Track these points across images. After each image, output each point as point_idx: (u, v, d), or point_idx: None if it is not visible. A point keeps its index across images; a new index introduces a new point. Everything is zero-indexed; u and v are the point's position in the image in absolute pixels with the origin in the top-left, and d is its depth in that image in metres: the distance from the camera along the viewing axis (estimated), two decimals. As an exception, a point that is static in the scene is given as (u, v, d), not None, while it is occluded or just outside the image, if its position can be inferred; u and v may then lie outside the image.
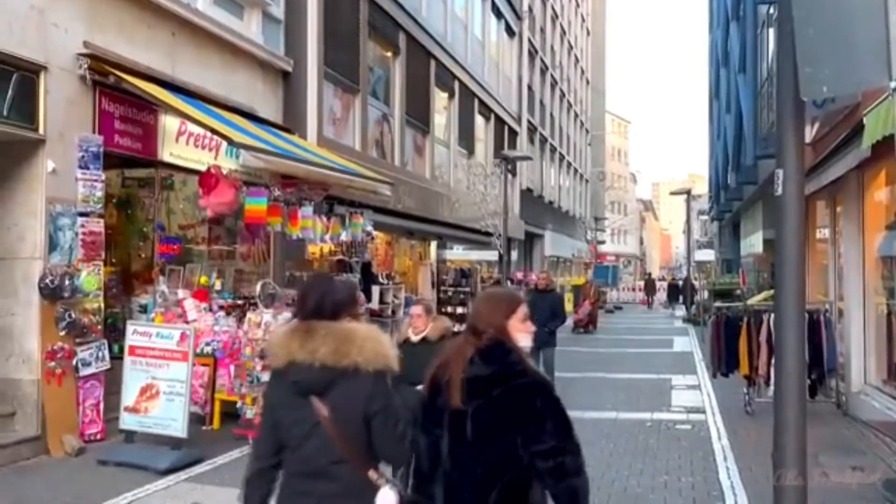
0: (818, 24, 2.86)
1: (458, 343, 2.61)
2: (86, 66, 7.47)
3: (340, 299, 2.69)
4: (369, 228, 11.63)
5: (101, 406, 7.47)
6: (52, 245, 7.15)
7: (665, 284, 39.35)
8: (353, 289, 2.99)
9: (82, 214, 7.39)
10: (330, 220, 10.50)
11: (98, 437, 7.36)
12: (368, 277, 12.97)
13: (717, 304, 12.12)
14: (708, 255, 39.90)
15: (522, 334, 2.59)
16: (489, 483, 2.39)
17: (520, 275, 23.92)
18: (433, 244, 18.90)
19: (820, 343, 8.72)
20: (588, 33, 46.95)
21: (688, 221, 28.80)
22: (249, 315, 8.36)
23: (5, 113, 6.73)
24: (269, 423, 2.66)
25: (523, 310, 2.63)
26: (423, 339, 5.40)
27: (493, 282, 18.61)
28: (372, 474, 2.53)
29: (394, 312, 13.52)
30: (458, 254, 20.71)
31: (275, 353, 2.64)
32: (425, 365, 2.75)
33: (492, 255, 20.39)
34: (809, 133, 10.33)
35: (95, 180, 7.52)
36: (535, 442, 2.37)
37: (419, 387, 2.67)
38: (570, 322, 18.69)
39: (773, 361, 7.97)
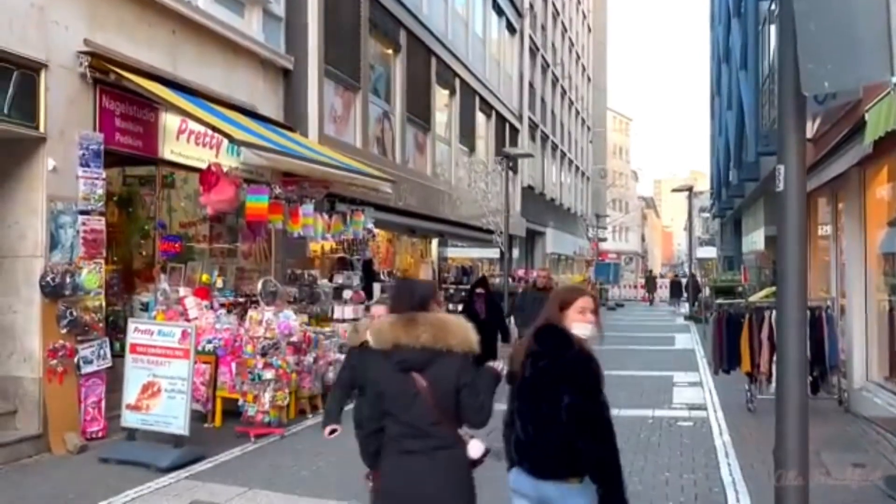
0: (820, 20, 2.85)
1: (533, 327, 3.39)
2: (86, 63, 7.46)
3: (427, 295, 3.41)
4: (370, 226, 11.63)
5: (103, 404, 7.47)
6: (54, 243, 7.15)
7: (667, 282, 39.33)
8: (433, 286, 3.84)
9: (83, 212, 7.39)
10: (331, 218, 10.50)
11: (100, 434, 7.37)
12: (370, 275, 12.97)
13: (719, 301, 12.11)
14: (710, 252, 39.91)
15: (577, 323, 3.27)
16: (545, 433, 3.14)
17: (521, 272, 23.92)
18: (434, 242, 18.91)
19: (822, 340, 8.71)
20: (589, 30, 46.89)
21: (689, 218, 28.78)
22: (251, 313, 8.36)
23: (6, 111, 6.73)
24: (373, 395, 3.29)
25: (580, 303, 3.31)
26: None
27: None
28: (461, 431, 3.24)
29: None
30: (459, 251, 20.72)
31: (382, 338, 3.27)
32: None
33: (493, 253, 20.39)
34: (811, 129, 10.31)
35: (96, 178, 7.52)
36: (568, 399, 3.09)
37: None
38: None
39: (774, 358, 7.96)
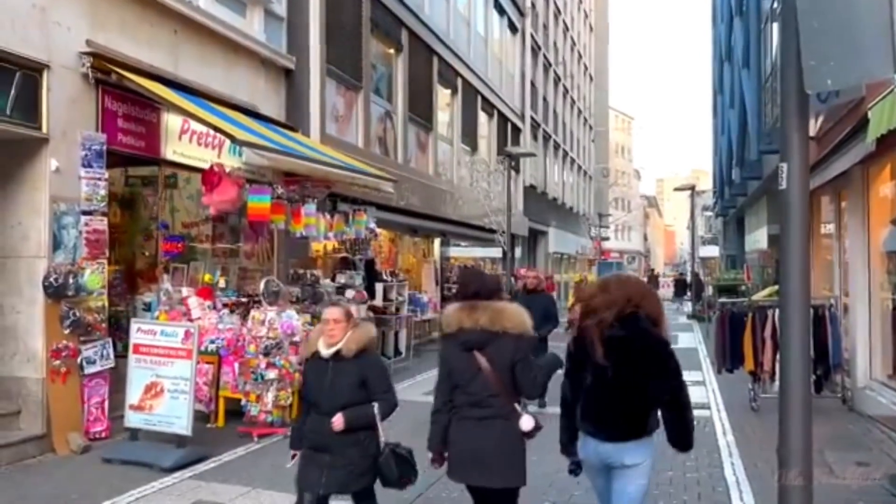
0: (822, 17, 2.84)
1: (599, 316, 3.63)
2: (88, 64, 7.47)
3: (492, 287, 3.99)
4: (372, 226, 11.62)
5: (106, 404, 7.49)
6: (56, 244, 7.16)
7: (670, 280, 39.30)
8: (498, 280, 4.53)
9: (86, 213, 7.40)
10: (333, 218, 10.50)
11: (103, 435, 7.38)
12: (372, 275, 12.96)
13: (722, 299, 12.09)
14: (712, 251, 39.85)
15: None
16: (625, 410, 3.57)
17: (523, 271, 23.90)
18: (437, 241, 18.90)
19: (825, 338, 8.69)
20: (591, 29, 46.84)
21: (692, 217, 28.75)
22: (253, 313, 8.36)
23: (8, 112, 6.74)
24: (445, 372, 3.91)
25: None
26: (337, 355, 4.04)
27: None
28: (516, 405, 3.80)
29: (397, 310, 13.53)
30: (461, 251, 20.71)
31: (448, 322, 3.88)
32: (338, 391, 3.82)
33: (496, 252, 20.38)
34: (814, 127, 10.30)
35: (99, 179, 7.52)
36: (660, 382, 3.56)
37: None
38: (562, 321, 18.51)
39: (778, 357, 7.95)
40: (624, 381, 3.54)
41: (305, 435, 4.20)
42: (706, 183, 55.01)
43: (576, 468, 3.85)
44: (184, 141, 8.99)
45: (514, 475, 3.79)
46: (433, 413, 3.93)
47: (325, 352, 4.13)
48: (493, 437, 3.71)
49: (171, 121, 8.73)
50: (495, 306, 3.83)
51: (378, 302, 12.77)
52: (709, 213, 51.09)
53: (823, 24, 2.84)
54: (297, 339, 8.20)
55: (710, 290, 24.15)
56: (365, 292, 11.59)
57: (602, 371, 3.56)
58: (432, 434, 3.92)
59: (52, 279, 7.03)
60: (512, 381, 3.74)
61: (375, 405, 4.09)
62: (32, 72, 6.98)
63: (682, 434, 3.69)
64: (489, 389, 3.72)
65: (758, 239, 20.45)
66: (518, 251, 25.42)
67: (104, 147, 7.60)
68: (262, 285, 8.58)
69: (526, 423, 3.77)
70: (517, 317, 3.81)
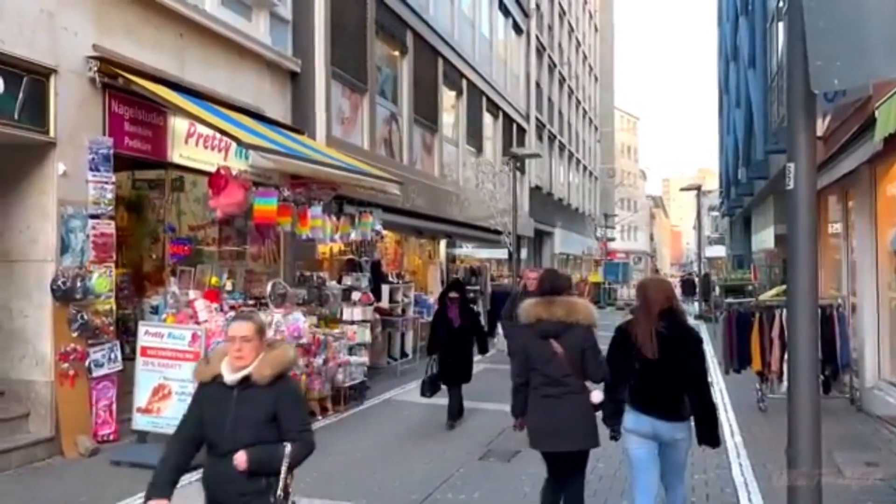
0: (829, 17, 2.84)
1: (645, 313, 4.26)
2: (95, 68, 7.50)
3: (564, 285, 4.81)
4: (379, 227, 11.63)
5: (114, 407, 7.51)
6: (64, 247, 7.19)
7: (676, 281, 39.21)
8: (569, 278, 5.44)
9: (93, 216, 7.43)
10: (339, 220, 10.51)
11: (111, 437, 7.40)
12: (378, 276, 12.98)
13: (729, 300, 12.05)
14: (719, 251, 39.73)
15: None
16: (674, 395, 4.22)
17: (531, 273, 23.87)
18: (443, 243, 18.90)
19: (833, 338, 8.66)
20: (596, 30, 46.80)
21: (698, 217, 28.67)
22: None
23: (16, 116, 6.77)
24: (522, 356, 4.62)
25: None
26: (246, 381, 3.26)
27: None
28: (586, 382, 4.53)
29: (404, 311, 13.54)
30: (467, 252, 20.70)
31: (527, 314, 4.59)
32: (244, 426, 3.21)
33: (501, 253, 20.37)
34: (821, 127, 10.27)
35: (106, 182, 7.55)
36: (696, 370, 4.25)
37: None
38: None
39: (785, 357, 7.92)
40: (670, 369, 4.18)
41: (204, 484, 3.41)
42: (712, 183, 54.82)
43: (616, 434, 4.49)
44: (190, 144, 9.02)
45: (591, 439, 4.51)
46: (514, 388, 4.72)
47: (231, 377, 3.26)
48: (570, 410, 4.44)
49: (178, 124, 8.75)
50: (569, 301, 4.62)
51: (384, 303, 12.79)
52: (715, 213, 50.96)
53: (830, 24, 2.84)
54: (303, 341, 8.22)
55: (716, 291, 24.06)
56: (371, 294, 11.61)
57: (650, 359, 4.18)
58: (515, 404, 4.73)
59: (60, 282, 7.05)
60: (581, 363, 4.47)
61: (288, 446, 3.19)
62: (40, 76, 7.01)
63: (710, 424, 4.30)
64: (564, 370, 4.45)
65: (764, 239, 20.40)
66: (524, 252, 25.41)
67: (111, 151, 7.63)
68: (268, 288, 8.60)
69: (596, 396, 4.53)
70: (587, 310, 4.61)
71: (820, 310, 6.72)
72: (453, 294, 8.67)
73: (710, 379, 4.41)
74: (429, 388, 8.42)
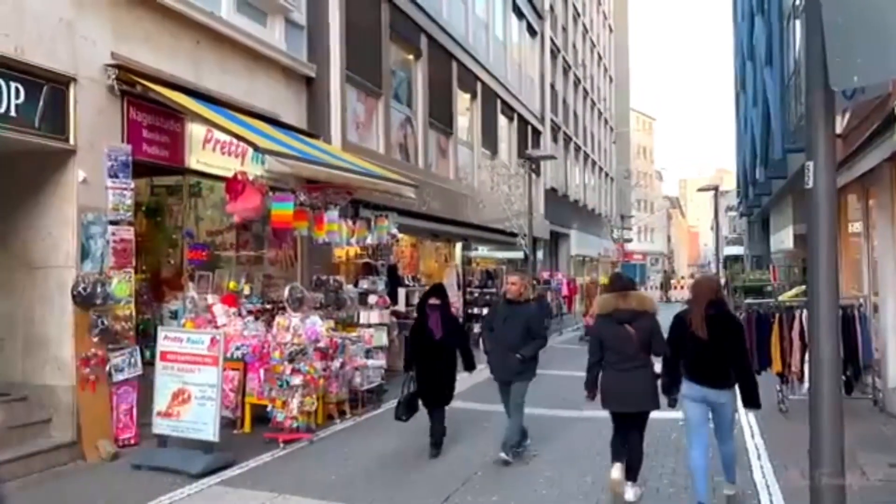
0: (847, 13, 2.81)
1: (696, 303, 5.41)
2: (113, 76, 7.59)
3: (632, 284, 6.16)
4: (394, 231, 11.65)
5: (135, 411, 7.57)
6: (85, 253, 7.27)
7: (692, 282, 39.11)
8: (632, 279, 6.68)
9: (113, 222, 7.50)
10: (355, 224, 10.55)
11: (132, 441, 7.47)
12: (394, 280, 13.00)
13: (748, 300, 11.95)
14: (737, 251, 39.42)
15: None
16: (721, 367, 5.31)
17: (546, 274, 23.83)
18: (458, 245, 18.91)
19: (855, 338, 8.56)
20: (610, 30, 46.64)
21: (716, 218, 28.49)
22: (278, 319, 8.43)
23: (37, 124, 6.86)
24: (598, 339, 5.87)
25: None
26: None
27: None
28: (651, 358, 5.71)
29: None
30: (483, 254, 20.70)
31: (605, 306, 5.85)
32: None
33: (517, 255, 20.34)
34: (840, 124, 10.15)
35: (125, 189, 7.63)
36: (737, 347, 5.35)
37: None
38: (563, 333, 18.27)
39: (806, 358, 7.84)
40: (717, 346, 5.26)
41: None
42: (730, 183, 54.43)
43: (674, 402, 5.61)
44: (207, 150, 9.09)
45: (652, 403, 5.68)
46: (590, 365, 5.86)
47: None
48: (638, 380, 5.63)
49: (195, 130, 8.83)
50: (639, 294, 5.97)
51: (401, 307, 12.80)
52: (733, 213, 50.57)
53: (848, 20, 2.81)
54: (321, 344, 8.25)
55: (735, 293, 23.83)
56: (388, 297, 11.63)
57: (702, 339, 5.28)
58: (588, 379, 5.86)
59: (80, 288, 7.13)
60: (648, 343, 5.64)
61: None
62: (60, 85, 7.11)
63: (751, 389, 5.37)
64: (635, 349, 5.61)
65: (783, 238, 20.20)
66: (540, 254, 25.35)
67: (130, 157, 7.71)
68: (286, 292, 8.64)
69: (658, 367, 5.67)
70: (652, 302, 5.91)
71: (841, 310, 6.66)
72: (434, 301, 7.43)
73: (748, 359, 5.62)
74: (404, 411, 7.26)
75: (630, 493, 5.71)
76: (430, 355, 7.29)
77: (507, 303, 7.41)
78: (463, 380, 7.97)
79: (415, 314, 8.10)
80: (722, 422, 5.52)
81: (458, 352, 7.45)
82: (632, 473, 5.78)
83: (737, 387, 5.39)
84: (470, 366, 7.51)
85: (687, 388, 5.43)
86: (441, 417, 7.34)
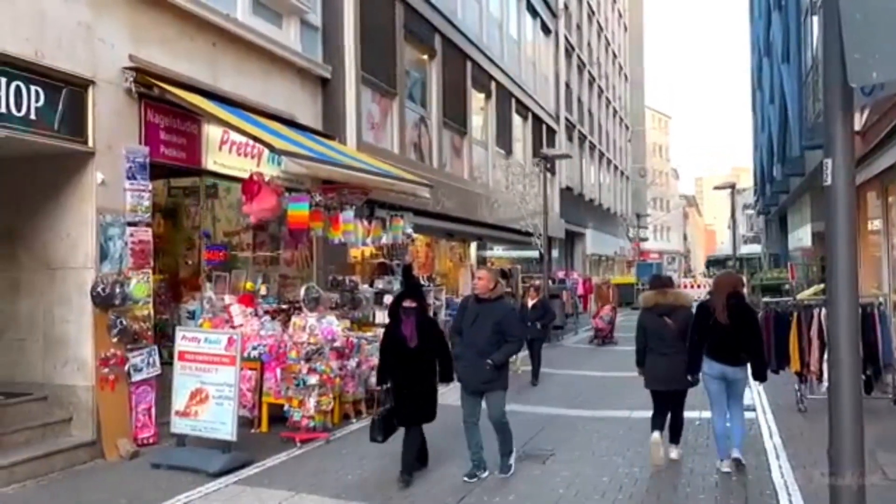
0: (866, 8, 2.78)
1: (718, 294, 6.48)
2: (131, 79, 7.65)
3: (669, 282, 7.24)
4: (409, 231, 11.68)
5: (153, 411, 7.64)
6: (103, 254, 7.34)
7: (709, 281, 38.71)
8: (670, 277, 8.17)
9: (131, 224, 7.57)
10: (371, 224, 10.58)
11: (151, 440, 7.53)
12: (409, 280, 13.00)
13: (766, 299, 11.87)
14: (754, 249, 39.13)
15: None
16: (737, 347, 6.31)
17: (561, 274, 23.77)
18: (473, 245, 18.91)
19: (874, 337, 8.46)
20: (625, 28, 46.45)
21: (732, 216, 28.27)
22: (294, 319, 8.47)
23: (56, 127, 6.94)
24: (642, 329, 6.84)
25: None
26: None
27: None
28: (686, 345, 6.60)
29: (435, 314, 13.55)
30: (498, 254, 20.67)
31: (647, 301, 6.93)
32: None
33: (532, 255, 20.30)
34: (859, 121, 10.05)
35: (143, 190, 7.70)
36: (752, 331, 6.41)
37: None
38: (578, 333, 18.27)
39: (825, 357, 7.77)
40: (736, 330, 6.29)
41: None
42: (747, 181, 53.99)
43: (696, 381, 6.57)
44: (224, 151, 9.15)
45: (688, 382, 6.63)
46: (637, 351, 6.96)
47: None
48: (676, 363, 6.55)
49: (212, 132, 8.89)
50: (676, 291, 7.10)
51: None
52: (750, 212, 50.22)
53: (867, 15, 2.79)
54: (337, 344, 8.28)
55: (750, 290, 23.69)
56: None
57: (722, 325, 6.29)
58: (637, 361, 6.98)
59: (99, 289, 7.20)
60: (684, 332, 6.52)
61: None
62: (79, 88, 7.18)
63: (760, 366, 6.61)
64: (673, 337, 6.61)
65: (801, 237, 20.04)
66: (555, 253, 25.29)
67: (147, 159, 7.78)
68: (302, 292, 8.68)
69: None
70: (687, 297, 7.09)
71: (860, 308, 6.59)
72: (409, 303, 6.42)
73: (761, 342, 6.85)
74: (380, 431, 6.32)
75: (674, 452, 6.91)
76: (404, 365, 6.34)
77: (476, 301, 6.51)
78: (450, 390, 7.33)
79: (387, 319, 6.97)
80: (734, 394, 6.54)
81: (437, 360, 6.45)
82: (675, 437, 6.97)
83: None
84: (447, 376, 6.52)
85: (707, 366, 6.43)
86: (418, 437, 6.38)
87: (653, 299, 6.86)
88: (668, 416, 6.85)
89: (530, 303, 12.47)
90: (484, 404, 6.42)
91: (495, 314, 6.34)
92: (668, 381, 6.67)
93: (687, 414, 7.09)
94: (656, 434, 6.67)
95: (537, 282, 15.13)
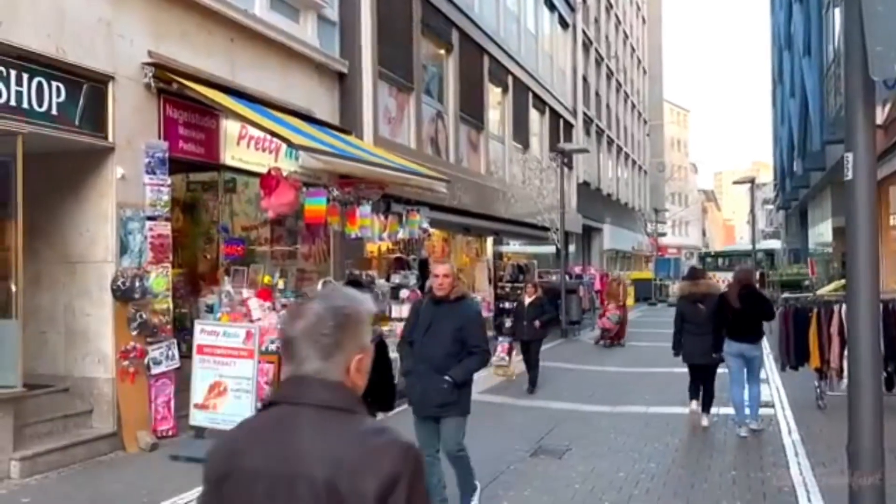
0: (888, 1, 2.75)
1: (733, 286, 7.93)
2: (150, 74, 7.71)
3: (700, 273, 9.20)
4: (426, 226, 11.68)
5: (172, 403, 7.72)
6: (123, 248, 7.42)
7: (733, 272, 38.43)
8: (703, 270, 11.52)
9: (150, 218, 7.64)
10: (387, 219, 10.59)
11: (170, 433, 7.61)
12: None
13: (785, 295, 11.76)
14: (774, 244, 38.77)
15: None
16: (753, 328, 7.73)
17: (578, 269, 23.69)
18: (490, 240, 18.89)
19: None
20: (643, 21, 46.09)
21: (752, 211, 28.03)
22: (311, 313, 8.47)
23: (77, 122, 7.02)
24: (680, 314, 8.45)
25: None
26: None
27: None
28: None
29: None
30: (514, 249, 20.63)
31: (683, 290, 8.82)
32: None
33: (549, 250, 20.25)
34: (880, 115, 9.92)
35: (162, 185, 7.76)
36: (764, 310, 7.90)
37: None
38: (594, 329, 17.97)
39: (845, 353, 7.68)
40: (751, 315, 7.58)
41: None
42: (767, 175, 53.49)
43: (720, 359, 7.83)
44: (242, 146, 9.21)
45: (719, 357, 7.86)
46: (674, 333, 8.39)
47: None
48: (707, 342, 7.83)
49: (230, 127, 8.95)
50: (707, 281, 8.81)
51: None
52: (770, 207, 49.75)
53: (889, 9, 2.75)
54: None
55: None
56: (419, 291, 11.66)
57: (739, 311, 7.55)
58: (675, 342, 8.42)
59: (119, 283, 7.28)
60: (713, 316, 7.80)
61: None
62: (99, 83, 7.25)
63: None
64: (705, 321, 7.87)
65: (822, 232, 19.82)
66: (572, 248, 25.21)
67: (166, 154, 7.84)
68: (319, 286, 8.70)
69: None
70: (716, 287, 8.71)
71: (881, 304, 6.51)
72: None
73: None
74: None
75: (705, 420, 8.16)
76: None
77: (433, 303, 5.17)
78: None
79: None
80: (752, 369, 7.72)
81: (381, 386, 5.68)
82: (706, 407, 8.22)
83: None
84: (386, 405, 5.91)
85: (727, 346, 7.66)
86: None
87: (687, 288, 8.51)
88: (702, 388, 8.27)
89: (527, 300, 11.39)
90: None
91: (456, 318, 4.99)
92: (700, 356, 8.04)
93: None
94: (694, 403, 8.36)
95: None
